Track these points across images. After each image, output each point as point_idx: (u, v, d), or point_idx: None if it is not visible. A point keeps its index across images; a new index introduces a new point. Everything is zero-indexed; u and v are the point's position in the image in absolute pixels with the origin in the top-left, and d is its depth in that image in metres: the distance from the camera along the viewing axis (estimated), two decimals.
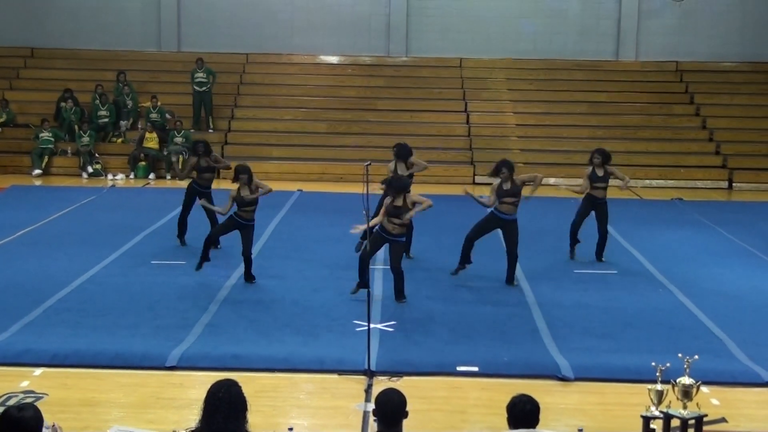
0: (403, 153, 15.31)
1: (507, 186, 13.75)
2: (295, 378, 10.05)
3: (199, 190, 15.48)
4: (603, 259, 15.40)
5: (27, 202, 20.24)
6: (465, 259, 13.98)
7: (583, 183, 15.48)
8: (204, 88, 25.51)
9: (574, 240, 15.55)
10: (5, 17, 28.18)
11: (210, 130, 25.66)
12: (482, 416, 9.06)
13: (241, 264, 14.06)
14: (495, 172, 13.93)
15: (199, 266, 13.85)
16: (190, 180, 15.88)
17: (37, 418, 5.45)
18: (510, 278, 13.89)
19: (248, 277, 13.71)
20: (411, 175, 15.18)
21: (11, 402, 8.97)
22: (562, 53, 28.30)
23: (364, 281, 12.44)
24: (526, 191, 14.11)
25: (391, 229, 12.66)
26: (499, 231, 14.02)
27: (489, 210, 14.05)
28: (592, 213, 15.44)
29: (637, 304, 13.02)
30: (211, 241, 14.05)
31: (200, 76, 25.47)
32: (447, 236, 16.30)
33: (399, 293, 12.79)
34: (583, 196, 15.52)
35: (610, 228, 17.77)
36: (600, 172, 15.35)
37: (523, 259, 15.18)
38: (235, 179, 13.69)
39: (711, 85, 27.83)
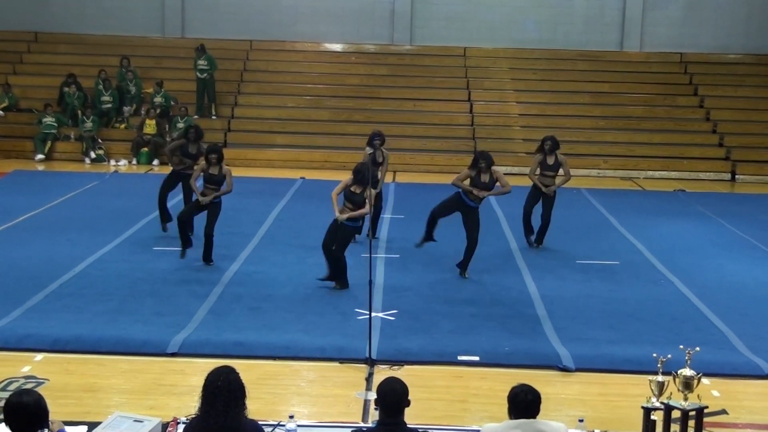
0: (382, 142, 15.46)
1: (485, 179, 13.56)
2: (295, 366, 10.06)
3: (184, 175, 15.47)
4: (543, 243, 15.48)
5: (29, 187, 20.24)
6: (428, 235, 13.92)
7: (533, 167, 15.49)
8: (205, 75, 25.46)
9: (528, 228, 15.57)
10: (9, 1, 28.12)
11: (213, 117, 25.65)
12: (483, 406, 9.07)
13: (242, 252, 14.09)
14: (474, 164, 13.64)
15: (182, 254, 13.86)
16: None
17: (39, 402, 5.48)
18: (463, 266, 13.72)
19: (206, 257, 13.79)
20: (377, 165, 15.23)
21: (12, 387, 8.99)
22: (566, 43, 28.24)
23: (336, 274, 12.66)
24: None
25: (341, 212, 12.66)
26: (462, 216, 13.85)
27: (456, 191, 13.84)
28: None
29: (639, 296, 13.02)
30: (184, 222, 14.02)
31: (202, 63, 25.41)
32: (448, 226, 16.27)
33: (339, 278, 12.80)
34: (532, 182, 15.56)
35: (611, 219, 17.86)
36: (551, 160, 15.36)
37: (524, 249, 15.23)
38: (205, 158, 13.72)
39: (715, 77, 27.76)
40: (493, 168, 13.60)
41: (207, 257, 13.78)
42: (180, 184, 15.56)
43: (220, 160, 13.68)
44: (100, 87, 25.24)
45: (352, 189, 12.76)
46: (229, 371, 5.78)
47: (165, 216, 15.62)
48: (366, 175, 12.26)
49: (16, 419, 5.48)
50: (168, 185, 15.64)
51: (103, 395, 9.18)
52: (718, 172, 24.70)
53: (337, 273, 12.79)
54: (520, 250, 15.24)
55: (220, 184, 13.69)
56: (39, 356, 10.04)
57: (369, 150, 15.28)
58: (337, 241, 12.70)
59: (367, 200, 11.94)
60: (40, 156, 23.73)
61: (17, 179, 21.24)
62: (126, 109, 25.56)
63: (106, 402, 8.95)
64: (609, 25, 28.42)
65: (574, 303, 12.56)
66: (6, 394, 5.61)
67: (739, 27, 28.42)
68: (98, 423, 7.30)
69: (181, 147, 15.66)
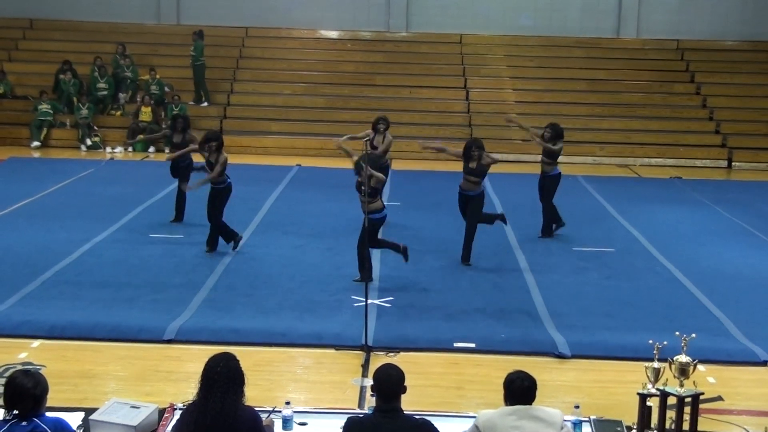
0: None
1: (473, 165, 13.50)
2: (292, 352, 10.06)
3: (180, 165, 15.54)
4: (549, 235, 15.36)
5: (25, 174, 20.22)
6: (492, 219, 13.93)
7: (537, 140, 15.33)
8: (192, 63, 25.32)
9: (556, 220, 15.45)
10: None
11: (204, 104, 25.49)
12: (479, 392, 9.08)
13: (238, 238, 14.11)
14: (466, 153, 13.52)
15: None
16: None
17: (39, 381, 5.54)
18: (465, 256, 13.65)
19: (210, 244, 13.84)
20: (385, 152, 15.26)
21: (8, 374, 8.97)
22: (562, 30, 28.19)
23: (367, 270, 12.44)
24: None
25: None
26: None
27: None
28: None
29: (635, 283, 13.04)
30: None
31: (191, 50, 25.34)
32: (445, 213, 16.31)
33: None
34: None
35: (607, 206, 17.88)
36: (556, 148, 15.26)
37: (520, 236, 15.23)
38: (201, 146, 13.71)
39: (711, 64, 27.74)
40: (483, 154, 13.55)
41: (211, 244, 13.88)
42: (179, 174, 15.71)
43: (219, 147, 13.52)
44: (96, 74, 25.19)
45: (359, 180, 12.30)
46: (230, 358, 5.79)
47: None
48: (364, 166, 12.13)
49: (13, 400, 5.53)
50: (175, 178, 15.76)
51: (99, 382, 9.19)
52: (714, 159, 24.72)
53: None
54: (516, 238, 15.24)
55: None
56: (35, 343, 10.04)
57: (369, 133, 15.21)
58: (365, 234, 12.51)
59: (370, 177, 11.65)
60: (35, 143, 23.70)
61: (13, 166, 21.21)
62: (121, 96, 25.52)
63: (102, 388, 8.95)
64: (605, 12, 28.37)
65: (570, 290, 12.58)
66: (2, 380, 5.64)
67: (735, 14, 28.40)
68: (95, 409, 7.30)
69: (164, 137, 15.74)
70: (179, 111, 23.77)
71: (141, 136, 23.22)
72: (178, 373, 9.33)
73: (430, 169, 21.69)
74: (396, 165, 21.94)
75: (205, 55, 25.44)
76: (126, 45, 25.96)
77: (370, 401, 6.57)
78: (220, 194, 13.65)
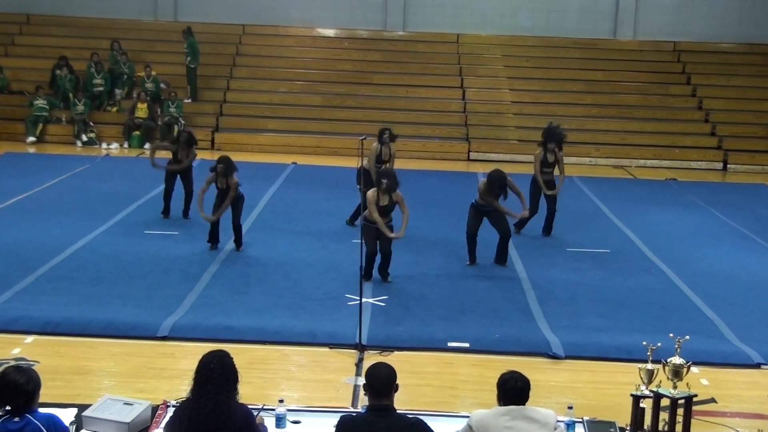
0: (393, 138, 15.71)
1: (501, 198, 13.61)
2: (286, 350, 10.06)
3: (177, 170, 15.63)
4: (551, 233, 15.41)
5: (21, 169, 20.18)
6: (473, 257, 13.73)
7: (535, 166, 15.36)
8: (186, 61, 25.32)
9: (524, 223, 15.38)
10: None
11: (188, 100, 25.34)
12: (472, 392, 9.08)
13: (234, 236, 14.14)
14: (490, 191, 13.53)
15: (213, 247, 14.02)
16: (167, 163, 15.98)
17: (31, 377, 5.54)
18: (503, 258, 13.69)
19: (238, 244, 13.93)
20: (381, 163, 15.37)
21: (1, 370, 8.96)
22: (559, 31, 28.19)
23: (369, 273, 12.48)
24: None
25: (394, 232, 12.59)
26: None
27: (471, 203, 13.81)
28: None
29: (629, 284, 13.04)
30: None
31: (184, 47, 25.30)
32: (440, 212, 16.33)
33: (386, 273, 12.69)
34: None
35: (603, 207, 17.89)
36: (551, 158, 15.27)
37: (515, 237, 15.22)
38: (213, 168, 13.72)
39: (708, 66, 27.77)
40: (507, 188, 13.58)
41: (238, 244, 13.93)
42: (179, 177, 15.73)
43: (226, 173, 13.62)
44: (92, 70, 25.15)
45: (381, 204, 12.49)
46: (223, 355, 5.80)
47: (167, 208, 15.73)
48: (383, 180, 12.47)
49: (5, 396, 5.53)
50: (169, 185, 15.73)
51: (93, 378, 9.18)
52: (709, 161, 24.74)
53: (386, 266, 12.67)
54: (512, 238, 15.21)
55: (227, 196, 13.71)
56: (29, 338, 10.03)
57: (376, 145, 15.42)
58: (386, 241, 12.53)
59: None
60: (31, 138, 23.65)
61: (8, 161, 21.17)
62: (118, 92, 25.49)
63: (96, 385, 8.95)
64: (603, 13, 28.38)
65: (565, 291, 12.58)
66: None
67: (732, 16, 28.42)
68: (88, 405, 7.31)
69: (172, 151, 15.80)
70: (175, 108, 23.81)
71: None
72: (171, 370, 9.32)
73: (426, 169, 21.68)
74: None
75: (201, 52, 25.37)
76: (120, 41, 25.93)
77: (364, 400, 6.57)
78: (237, 202, 13.81)
